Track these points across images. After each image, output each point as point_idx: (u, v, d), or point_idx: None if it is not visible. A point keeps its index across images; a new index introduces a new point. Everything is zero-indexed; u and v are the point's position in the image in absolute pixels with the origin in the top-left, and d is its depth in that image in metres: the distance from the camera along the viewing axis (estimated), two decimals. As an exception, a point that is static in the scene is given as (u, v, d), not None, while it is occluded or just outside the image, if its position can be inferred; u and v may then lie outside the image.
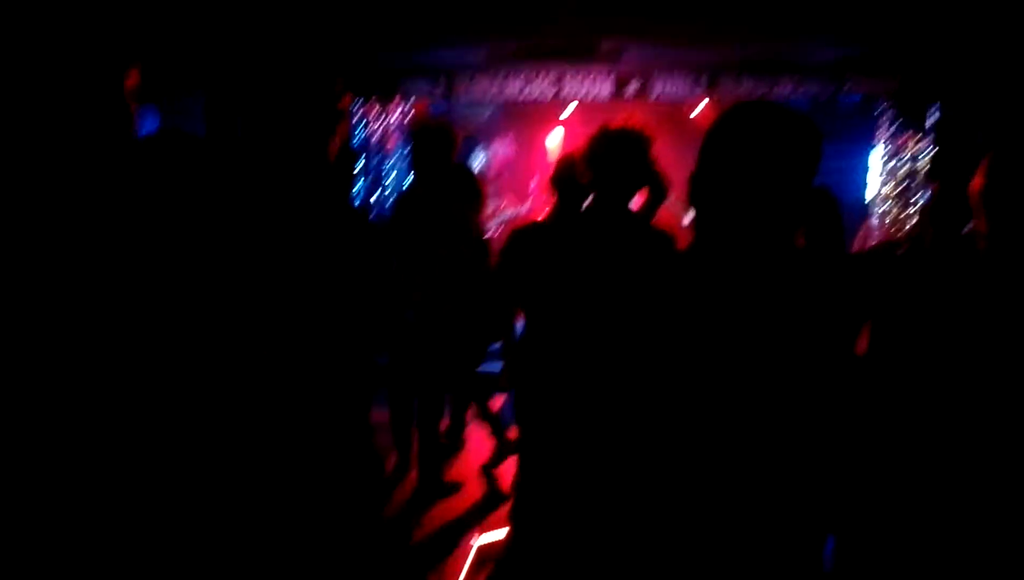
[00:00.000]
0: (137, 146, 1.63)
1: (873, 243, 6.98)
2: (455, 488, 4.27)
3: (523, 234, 3.02)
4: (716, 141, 1.24)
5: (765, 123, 1.21)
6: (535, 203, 7.52)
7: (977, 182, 1.53)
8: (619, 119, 2.77)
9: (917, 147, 6.87)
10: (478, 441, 4.73)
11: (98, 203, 1.49)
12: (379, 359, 4.22)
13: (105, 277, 1.46)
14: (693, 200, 1.28)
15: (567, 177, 3.11)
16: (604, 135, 2.72)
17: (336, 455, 1.80)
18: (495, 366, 3.96)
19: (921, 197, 6.74)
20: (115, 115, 1.55)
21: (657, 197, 2.97)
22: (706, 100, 6.97)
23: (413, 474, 4.44)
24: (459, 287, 3.91)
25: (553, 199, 3.23)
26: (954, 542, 1.39)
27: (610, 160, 2.70)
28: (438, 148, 3.84)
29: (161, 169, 1.98)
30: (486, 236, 4.22)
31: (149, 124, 7.24)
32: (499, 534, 3.55)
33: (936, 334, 1.58)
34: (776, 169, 1.19)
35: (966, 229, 2.82)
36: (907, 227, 6.85)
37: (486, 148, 7.80)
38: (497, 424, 4.44)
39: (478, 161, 7.62)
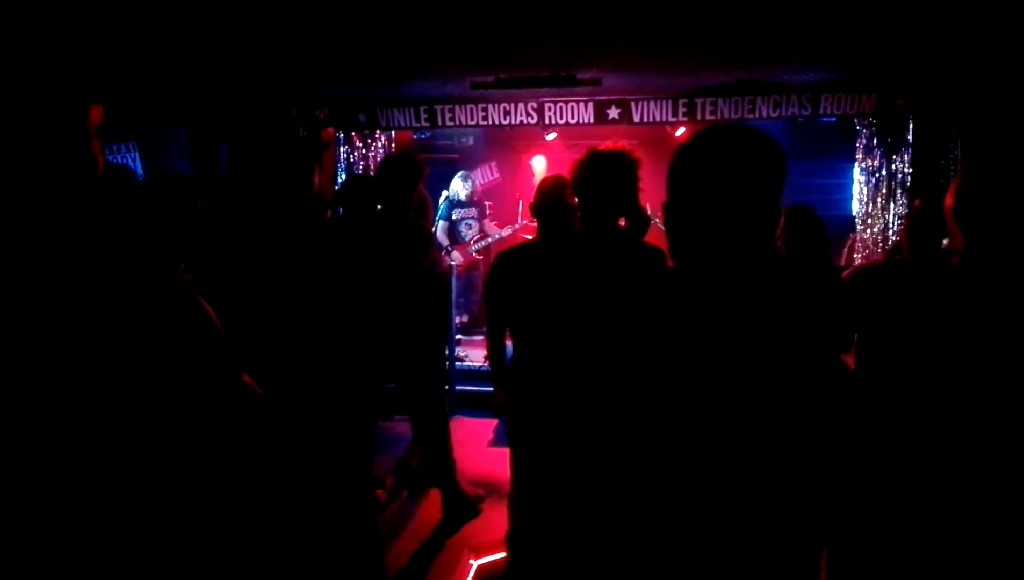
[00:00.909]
0: (103, 187, 1.57)
1: (858, 257, 7.04)
2: (479, 501, 4.29)
3: (510, 256, 3.03)
4: (681, 168, 1.28)
5: (725, 145, 1.25)
6: (521, 226, 7.56)
7: (949, 199, 1.56)
8: (607, 141, 2.79)
9: (896, 162, 6.97)
10: (469, 457, 4.70)
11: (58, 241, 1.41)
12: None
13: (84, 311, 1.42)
14: (668, 227, 1.31)
15: (550, 200, 3.13)
16: (592, 156, 2.74)
17: (335, 476, 1.79)
18: (486, 387, 4.00)
19: (903, 210, 6.83)
20: (74, 155, 1.43)
21: (640, 225, 2.99)
22: (684, 126, 7.07)
23: (405, 493, 4.44)
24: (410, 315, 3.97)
25: (536, 223, 3.25)
26: (945, 548, 1.39)
27: (599, 181, 2.72)
28: (401, 178, 3.85)
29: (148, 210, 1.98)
30: (441, 268, 4.25)
31: (129, 161, 7.23)
32: (498, 555, 3.53)
33: (913, 347, 1.59)
34: (741, 186, 1.22)
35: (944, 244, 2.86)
36: (889, 240, 6.92)
37: (469, 175, 7.85)
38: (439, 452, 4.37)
39: (463, 186, 7.65)
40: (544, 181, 3.26)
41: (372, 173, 7.62)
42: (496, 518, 3.96)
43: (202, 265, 2.24)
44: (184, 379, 1.77)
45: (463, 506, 4.23)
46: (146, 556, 1.52)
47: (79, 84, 1.43)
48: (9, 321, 1.31)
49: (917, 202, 3.11)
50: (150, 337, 1.63)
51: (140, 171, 7.18)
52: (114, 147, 7.11)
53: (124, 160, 7.14)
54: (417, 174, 3.85)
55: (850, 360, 3.02)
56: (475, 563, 3.60)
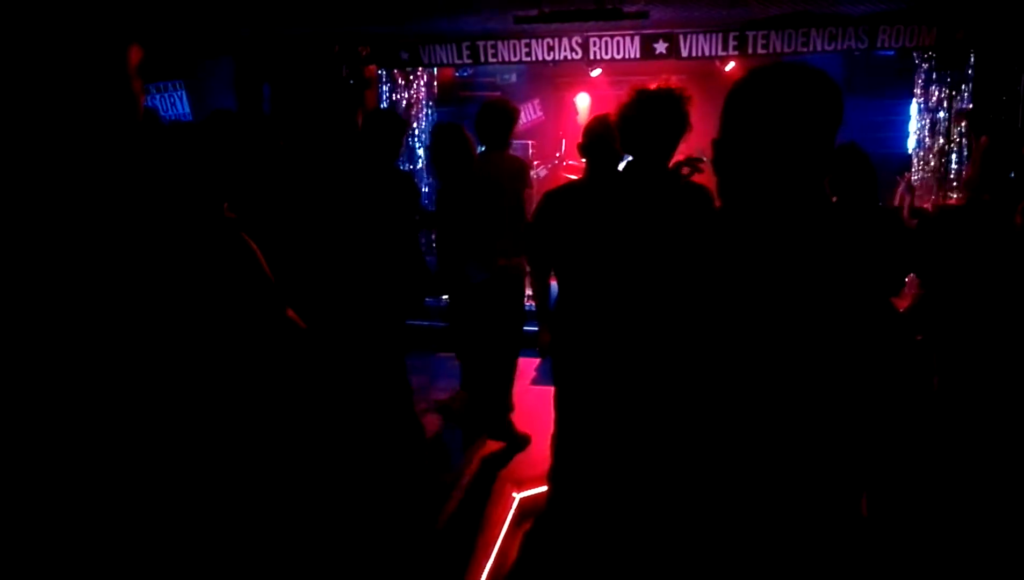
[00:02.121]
0: (148, 131, 1.55)
1: (910, 196, 6.84)
2: (527, 440, 4.41)
3: (556, 197, 3.00)
4: (735, 106, 1.25)
5: (783, 83, 1.21)
6: (561, 164, 7.47)
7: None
8: (657, 80, 2.71)
9: (957, 98, 6.68)
10: (524, 401, 4.78)
11: (103, 192, 1.42)
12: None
13: (120, 270, 1.41)
14: (717, 166, 1.28)
15: (597, 140, 3.08)
16: (640, 97, 2.67)
17: (380, 416, 1.83)
18: (531, 326, 4.07)
19: (963, 148, 6.58)
20: (116, 98, 1.43)
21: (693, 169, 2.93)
22: (734, 61, 6.85)
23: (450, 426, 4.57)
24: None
25: (583, 162, 3.20)
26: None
27: (647, 121, 2.66)
28: (455, 149, 4.03)
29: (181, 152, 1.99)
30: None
31: (176, 99, 7.30)
32: (540, 490, 3.61)
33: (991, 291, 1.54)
34: (797, 127, 1.19)
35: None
36: (949, 177, 6.68)
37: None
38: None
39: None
40: (591, 121, 3.20)
41: (414, 113, 7.58)
42: (539, 454, 4.03)
43: (246, 202, 2.27)
44: (231, 314, 1.80)
45: (512, 441, 4.35)
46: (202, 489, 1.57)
47: (118, 24, 1.43)
48: (54, 259, 1.33)
49: (984, 139, 3.02)
50: (196, 273, 1.66)
51: (187, 109, 7.25)
52: (160, 85, 7.18)
53: (171, 98, 7.22)
54: (401, 128, 4.05)
55: (899, 303, 2.97)
56: (518, 496, 3.70)
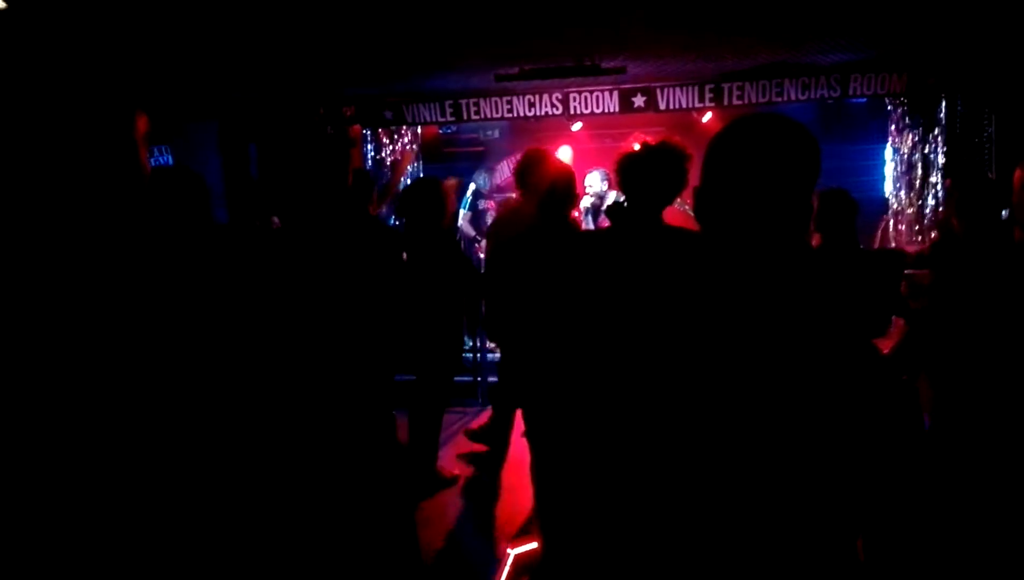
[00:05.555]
0: (151, 188, 1.65)
1: (892, 238, 6.94)
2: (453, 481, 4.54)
3: (526, 246, 3.03)
4: (717, 155, 1.27)
5: (765, 134, 1.24)
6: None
7: (1019, 173, 1.52)
8: (636, 132, 2.78)
9: (930, 143, 6.84)
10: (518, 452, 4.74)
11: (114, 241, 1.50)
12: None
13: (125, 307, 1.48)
14: (698, 214, 1.31)
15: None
16: (647, 147, 2.74)
17: (364, 461, 1.82)
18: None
19: (937, 191, 6.70)
20: (126, 162, 1.55)
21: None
22: (710, 112, 7.00)
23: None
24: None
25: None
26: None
27: (653, 169, 2.71)
28: (427, 203, 4.21)
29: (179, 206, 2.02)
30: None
31: (162, 162, 7.35)
32: (535, 544, 3.56)
33: (983, 320, 1.56)
34: (778, 178, 1.22)
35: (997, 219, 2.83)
36: (925, 220, 6.79)
37: (491, 169, 7.88)
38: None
39: (487, 179, 7.69)
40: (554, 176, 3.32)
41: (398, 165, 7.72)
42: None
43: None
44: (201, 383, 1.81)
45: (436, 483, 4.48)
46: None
47: (125, 94, 1.52)
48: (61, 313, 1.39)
49: (948, 182, 3.11)
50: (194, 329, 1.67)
51: (172, 173, 7.30)
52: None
53: (157, 162, 7.27)
54: (370, 184, 4.31)
55: (885, 343, 2.99)
56: (512, 552, 3.64)
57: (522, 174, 3.87)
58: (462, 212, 7.51)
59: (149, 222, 1.62)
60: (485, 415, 5.24)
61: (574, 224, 3.37)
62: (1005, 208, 2.97)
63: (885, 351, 2.82)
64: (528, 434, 3.09)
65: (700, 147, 1.31)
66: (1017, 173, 1.68)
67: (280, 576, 1.75)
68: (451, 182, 4.92)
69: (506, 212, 4.64)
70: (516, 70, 5.80)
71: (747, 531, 1.20)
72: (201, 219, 2.74)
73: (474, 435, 5.07)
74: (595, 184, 6.67)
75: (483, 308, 4.20)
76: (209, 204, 2.85)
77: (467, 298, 4.50)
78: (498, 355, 6.68)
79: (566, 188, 3.30)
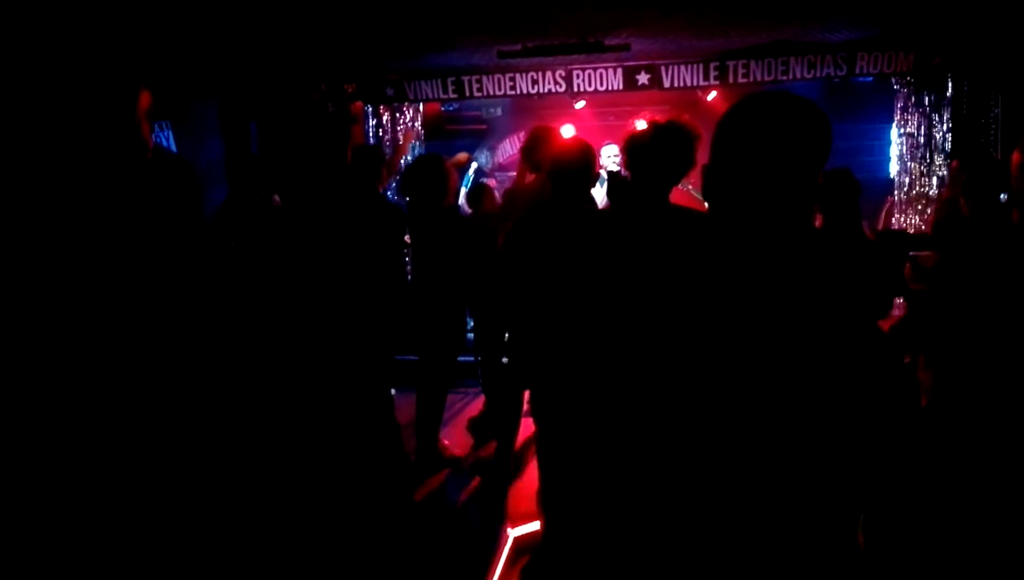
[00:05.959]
0: (153, 164, 1.66)
1: (895, 218, 6.90)
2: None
3: (534, 226, 3.01)
4: (727, 134, 1.26)
5: (776, 112, 1.22)
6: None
7: (1017, 156, 1.50)
8: (642, 114, 2.77)
9: (936, 121, 6.78)
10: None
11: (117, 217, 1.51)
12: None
13: (128, 284, 1.48)
14: (706, 192, 1.29)
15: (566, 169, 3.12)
16: (656, 126, 2.71)
17: (363, 446, 1.83)
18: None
19: (943, 170, 6.66)
20: (129, 138, 1.58)
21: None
22: (715, 90, 6.94)
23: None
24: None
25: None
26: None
27: (661, 149, 2.69)
28: (429, 181, 4.20)
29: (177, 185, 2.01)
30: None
31: (163, 139, 7.33)
32: (534, 526, 3.57)
33: (989, 302, 1.55)
34: (788, 158, 1.20)
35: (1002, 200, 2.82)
36: (931, 196, 6.74)
37: (492, 147, 7.82)
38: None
39: (488, 157, 7.64)
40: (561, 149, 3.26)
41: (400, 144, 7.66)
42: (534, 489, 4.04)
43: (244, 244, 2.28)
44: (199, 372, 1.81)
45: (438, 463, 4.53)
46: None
47: (129, 70, 1.54)
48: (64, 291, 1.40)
49: (955, 163, 3.07)
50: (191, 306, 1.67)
51: (174, 149, 7.27)
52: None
53: (158, 139, 7.24)
54: (380, 159, 4.35)
55: (884, 325, 2.98)
56: (512, 532, 3.65)
57: (529, 152, 3.80)
58: (463, 190, 7.48)
59: (149, 200, 1.62)
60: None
61: (593, 201, 3.25)
62: (1004, 191, 2.95)
63: (885, 331, 2.81)
64: (533, 414, 3.09)
65: (705, 125, 1.29)
66: (1015, 155, 1.66)
67: (277, 550, 1.76)
68: (460, 157, 4.84)
69: (517, 193, 4.56)
70: (519, 47, 5.74)
71: (748, 514, 1.21)
72: (194, 207, 2.73)
73: (475, 425, 5.06)
74: (613, 157, 6.59)
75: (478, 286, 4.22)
76: (201, 193, 2.84)
77: (469, 278, 4.48)
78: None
79: (583, 164, 3.16)
